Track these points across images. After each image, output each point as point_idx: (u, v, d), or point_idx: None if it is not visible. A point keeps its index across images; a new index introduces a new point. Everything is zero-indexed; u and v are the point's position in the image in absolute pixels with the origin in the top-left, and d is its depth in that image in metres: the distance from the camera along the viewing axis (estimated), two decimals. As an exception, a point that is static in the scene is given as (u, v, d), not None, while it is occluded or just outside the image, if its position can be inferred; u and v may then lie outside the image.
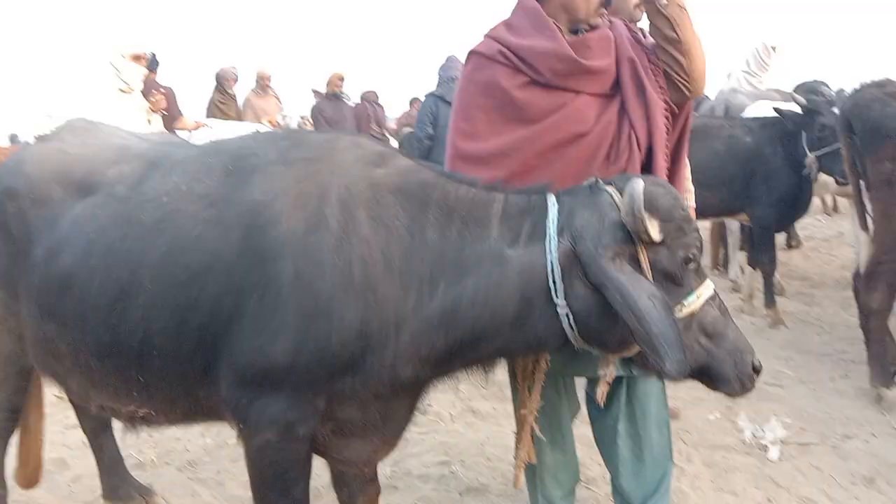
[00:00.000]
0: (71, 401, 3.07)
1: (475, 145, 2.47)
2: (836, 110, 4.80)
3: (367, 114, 11.25)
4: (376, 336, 2.03)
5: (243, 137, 2.43)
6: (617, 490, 2.76)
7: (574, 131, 2.40)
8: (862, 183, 4.17)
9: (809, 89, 6.30)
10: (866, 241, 4.22)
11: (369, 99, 11.56)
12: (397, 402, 2.25)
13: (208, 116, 9.32)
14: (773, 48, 8.26)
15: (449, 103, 8.06)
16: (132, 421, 2.47)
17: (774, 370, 4.61)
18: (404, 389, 2.21)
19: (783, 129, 5.42)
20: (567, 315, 1.98)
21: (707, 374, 2.05)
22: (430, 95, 6.85)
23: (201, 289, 2.08)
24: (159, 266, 2.13)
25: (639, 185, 1.89)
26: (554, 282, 1.98)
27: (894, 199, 3.91)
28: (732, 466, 3.47)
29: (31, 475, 3.06)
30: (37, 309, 2.38)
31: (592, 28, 2.49)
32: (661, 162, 2.47)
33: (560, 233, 2.00)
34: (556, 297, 1.98)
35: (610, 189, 1.99)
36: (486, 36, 2.51)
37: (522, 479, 2.56)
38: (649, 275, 1.95)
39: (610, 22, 2.53)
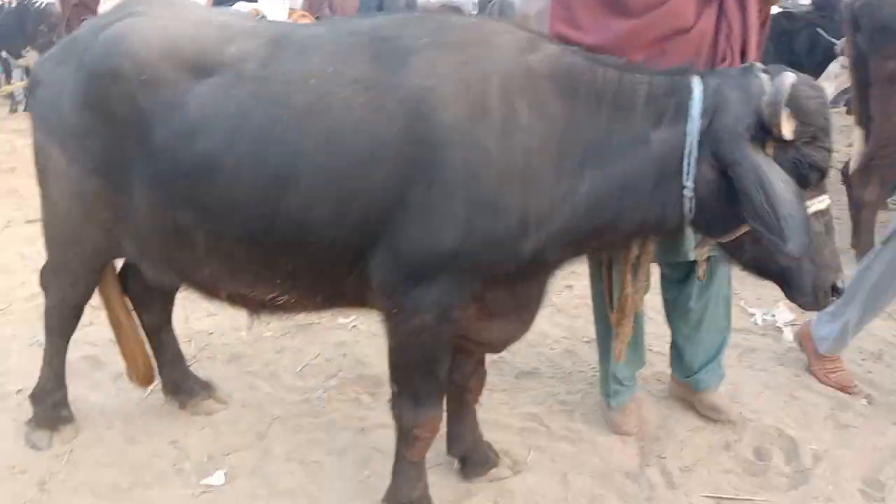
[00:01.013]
0: (132, 296, 2.98)
1: (577, 35, 2.48)
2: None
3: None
4: (533, 223, 2.07)
5: (370, 18, 2.32)
6: (678, 356, 3.09)
7: (676, 27, 2.45)
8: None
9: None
10: (861, 137, 4.49)
11: None
12: (536, 284, 2.32)
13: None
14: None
15: None
16: (262, 308, 2.45)
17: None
18: (546, 272, 2.28)
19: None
20: (690, 198, 2.05)
21: (789, 280, 2.12)
22: None
23: (364, 177, 2.05)
24: (318, 154, 2.08)
25: (788, 78, 1.94)
26: (688, 164, 2.03)
27: (894, 96, 4.15)
28: (753, 346, 3.75)
29: (145, 373, 3.00)
30: (164, 196, 2.28)
31: None
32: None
33: (702, 114, 2.03)
34: (686, 179, 2.04)
35: (764, 76, 2.03)
36: None
37: (623, 355, 2.70)
38: None
39: None
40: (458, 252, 2.06)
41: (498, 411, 3.06)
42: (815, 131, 2.00)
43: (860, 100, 4.43)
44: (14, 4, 10.60)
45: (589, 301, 3.09)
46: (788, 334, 3.88)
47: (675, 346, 3.13)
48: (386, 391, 3.21)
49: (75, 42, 2.50)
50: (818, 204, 2.07)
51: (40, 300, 4.07)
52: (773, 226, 1.88)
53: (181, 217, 2.29)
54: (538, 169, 2.05)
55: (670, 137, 2.05)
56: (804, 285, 2.09)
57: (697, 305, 2.94)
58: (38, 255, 4.81)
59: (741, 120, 1.98)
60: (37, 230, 5.32)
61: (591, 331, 3.75)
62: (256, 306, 2.50)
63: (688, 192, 2.04)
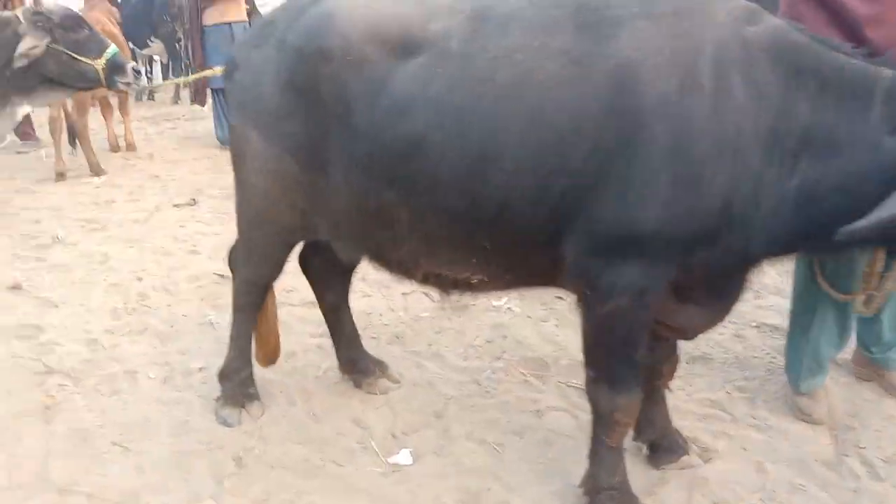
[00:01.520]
0: (311, 276, 3.06)
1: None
2: None
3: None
4: (738, 208, 1.97)
5: None
6: (870, 332, 2.99)
7: None
8: None
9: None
10: None
11: None
12: (736, 276, 2.22)
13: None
14: None
15: None
16: (454, 287, 2.46)
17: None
18: (748, 265, 2.18)
19: None
20: None
21: None
22: None
23: (569, 152, 2.01)
24: (524, 128, 2.04)
25: None
26: None
27: None
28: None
29: (271, 353, 3.08)
30: (367, 175, 2.30)
31: None
32: None
33: None
34: None
35: None
36: None
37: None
38: None
39: None
40: (659, 232, 1.98)
41: (675, 397, 2.97)
42: None
43: None
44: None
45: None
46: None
47: (866, 321, 2.96)
48: (553, 374, 3.26)
49: (273, 24, 2.53)
50: None
51: (203, 281, 4.32)
52: None
53: (384, 196, 2.31)
54: (747, 150, 1.93)
55: None
56: None
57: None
58: (190, 237, 5.09)
59: None
60: (184, 214, 5.63)
61: (758, 315, 3.66)
62: (449, 286, 2.51)
63: None
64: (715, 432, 2.82)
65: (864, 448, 2.71)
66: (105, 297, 4.16)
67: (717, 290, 2.24)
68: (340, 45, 2.27)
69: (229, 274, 4.28)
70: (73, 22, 4.38)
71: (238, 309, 2.94)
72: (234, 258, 2.92)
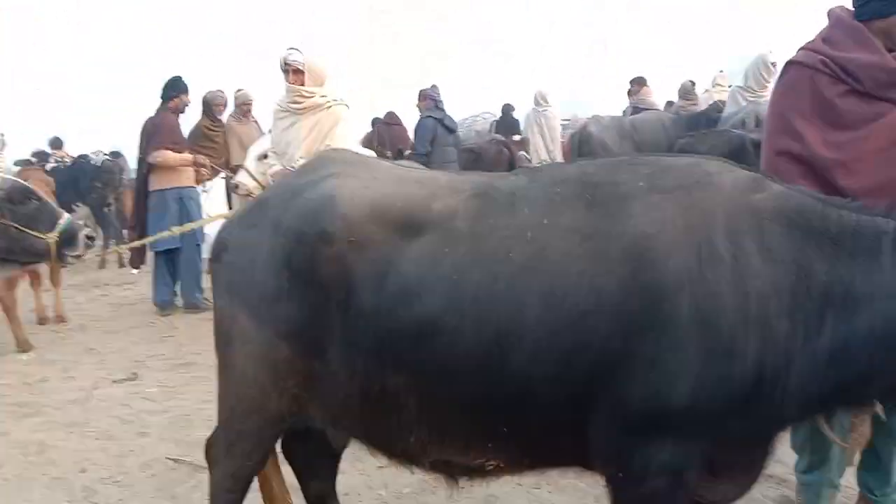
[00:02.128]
0: (297, 466, 2.83)
1: (800, 147, 2.58)
2: None
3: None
4: (769, 375, 1.93)
5: (571, 165, 2.28)
6: (876, 469, 2.95)
7: (893, 139, 2.49)
8: None
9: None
10: None
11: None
12: (766, 446, 2.16)
13: (193, 143, 8.78)
14: (773, 64, 8.50)
15: (447, 127, 8.82)
16: (465, 474, 2.29)
17: None
18: (777, 432, 2.12)
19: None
20: None
21: None
22: (430, 118, 8.61)
23: (590, 331, 1.95)
24: (543, 307, 1.98)
25: None
26: None
27: None
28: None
29: None
30: (372, 361, 2.16)
31: None
32: None
33: None
34: None
35: None
36: (804, 49, 2.64)
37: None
38: None
39: None
40: (691, 407, 1.92)
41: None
42: None
43: None
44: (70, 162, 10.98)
45: None
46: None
47: (869, 466, 2.94)
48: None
49: (266, 205, 2.46)
50: None
51: (156, 468, 3.97)
52: None
53: (391, 382, 2.17)
54: (771, 315, 1.92)
55: None
56: None
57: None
58: (137, 417, 4.72)
59: None
60: (126, 390, 5.26)
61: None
62: (460, 473, 2.34)
63: None
64: None
65: None
66: (47, 494, 3.73)
67: (748, 460, 2.15)
68: (342, 226, 2.20)
69: (184, 457, 4.05)
70: (21, 195, 4.18)
71: (217, 506, 2.66)
72: (213, 450, 2.66)
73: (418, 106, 9.32)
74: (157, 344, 6.54)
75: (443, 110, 9.00)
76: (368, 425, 2.34)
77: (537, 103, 11.34)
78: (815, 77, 2.57)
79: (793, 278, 1.95)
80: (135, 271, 10.54)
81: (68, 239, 4.20)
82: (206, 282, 8.26)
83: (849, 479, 3.18)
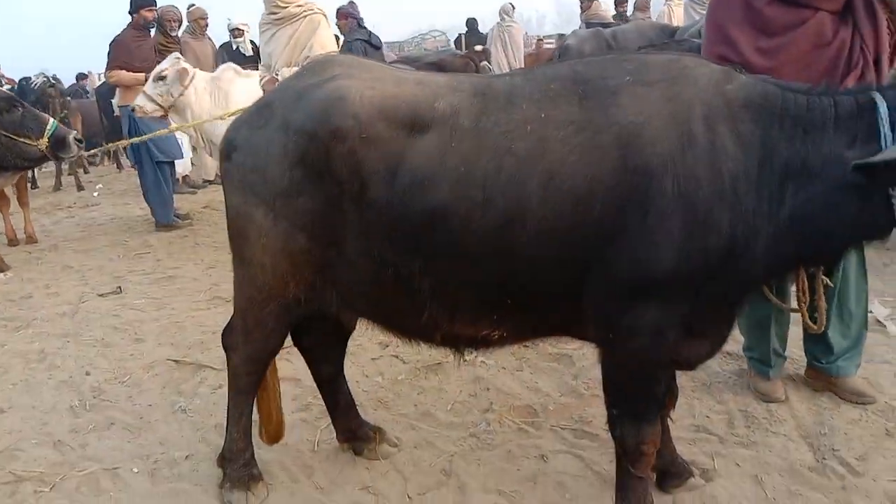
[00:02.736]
0: (306, 350, 3.08)
1: (733, 53, 2.85)
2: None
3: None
4: (741, 243, 2.21)
5: (560, 63, 2.47)
6: (821, 343, 3.38)
7: (816, 42, 2.78)
8: None
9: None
10: None
11: None
12: (736, 306, 2.46)
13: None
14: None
15: (373, 46, 8.75)
16: (471, 345, 2.56)
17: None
18: (747, 294, 2.42)
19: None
20: None
21: None
22: (358, 41, 8.15)
23: (586, 211, 2.19)
24: (543, 194, 2.20)
25: None
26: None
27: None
28: (870, 341, 3.88)
29: (275, 431, 3.05)
30: (386, 248, 2.37)
31: None
32: (886, 70, 2.83)
33: (893, 127, 2.19)
34: (893, 189, 2.21)
35: None
36: None
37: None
38: None
39: None
40: (673, 272, 2.19)
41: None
42: None
43: None
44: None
45: None
46: (892, 326, 4.09)
47: (811, 336, 3.37)
48: (544, 419, 3.38)
49: (271, 107, 2.60)
50: None
51: (158, 369, 4.19)
52: None
53: (405, 266, 2.39)
54: (742, 191, 2.19)
55: (867, 154, 2.17)
56: None
57: (838, 298, 3.27)
58: (130, 325, 4.90)
59: None
60: (113, 303, 5.40)
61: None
62: (467, 344, 2.61)
63: (895, 199, 2.16)
64: (708, 453, 3.04)
65: (838, 451, 3.00)
66: (56, 395, 3.92)
67: (719, 321, 2.46)
68: (354, 124, 2.36)
69: (184, 358, 4.27)
70: (6, 103, 4.21)
71: (238, 390, 2.89)
72: (231, 338, 2.87)
73: (338, 25, 9.13)
74: (135, 260, 6.64)
75: (365, 28, 8.83)
76: (383, 306, 2.58)
77: (502, 18, 11.34)
78: None
79: (759, 157, 2.21)
80: (94, 195, 10.49)
81: (58, 142, 4.25)
82: (177, 201, 8.31)
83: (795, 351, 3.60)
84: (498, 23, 11.20)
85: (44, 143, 4.27)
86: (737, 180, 2.18)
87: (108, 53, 7.70)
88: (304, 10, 5.23)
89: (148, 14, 7.76)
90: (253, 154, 2.58)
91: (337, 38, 8.34)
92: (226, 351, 2.90)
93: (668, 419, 2.84)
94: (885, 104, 2.18)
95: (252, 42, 10.03)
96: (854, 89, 2.34)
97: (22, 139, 4.20)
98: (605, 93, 2.25)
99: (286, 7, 5.19)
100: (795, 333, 3.48)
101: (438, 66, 9.98)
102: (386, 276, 2.43)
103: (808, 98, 2.25)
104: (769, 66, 2.77)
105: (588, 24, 10.38)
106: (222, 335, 2.91)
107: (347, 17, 8.94)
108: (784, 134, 2.21)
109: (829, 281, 2.89)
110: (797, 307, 2.79)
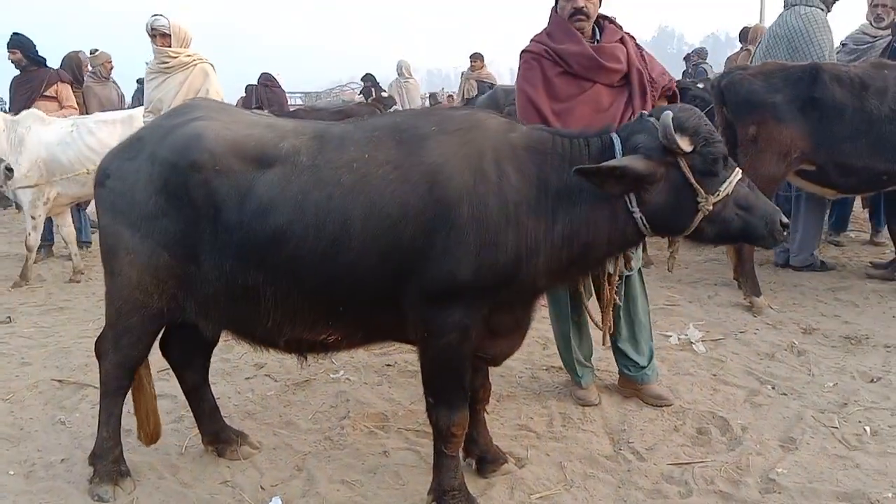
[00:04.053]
0: (171, 359, 3.46)
1: (534, 112, 3.61)
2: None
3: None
4: (524, 257, 2.79)
5: (384, 115, 3.02)
6: (625, 357, 4.03)
7: (594, 108, 3.55)
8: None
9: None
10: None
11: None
12: (528, 309, 3.03)
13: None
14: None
15: None
16: (312, 349, 3.02)
17: (666, 296, 5.92)
18: (537, 297, 3.00)
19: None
20: (639, 217, 2.79)
21: (746, 237, 2.87)
22: None
23: (400, 232, 2.72)
24: (364, 219, 2.72)
25: (668, 114, 2.74)
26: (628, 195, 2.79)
27: (756, 154, 5.30)
28: (676, 359, 4.61)
29: (152, 432, 3.39)
30: (236, 263, 2.83)
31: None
32: None
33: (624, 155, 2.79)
34: (631, 206, 2.79)
35: (651, 119, 2.82)
36: (533, 40, 3.74)
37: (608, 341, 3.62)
38: (690, 175, 2.73)
39: (622, 38, 3.69)
40: (472, 281, 2.73)
41: (492, 425, 3.67)
42: (704, 136, 2.75)
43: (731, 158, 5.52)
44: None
45: (537, 338, 4.20)
46: (701, 346, 4.78)
47: (618, 350, 4.03)
48: (392, 423, 3.85)
49: (142, 140, 3.05)
50: (735, 176, 2.78)
51: (43, 387, 4.45)
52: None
53: (251, 279, 2.85)
54: (524, 215, 2.77)
55: None
56: (761, 233, 2.81)
57: (626, 313, 3.92)
58: (17, 351, 5.12)
59: (643, 151, 2.76)
60: (4, 331, 5.56)
61: (546, 361, 4.54)
62: (307, 348, 3.07)
63: (636, 213, 2.78)
64: (524, 446, 3.56)
65: (632, 442, 3.58)
66: (-62, 413, 4.12)
67: (515, 323, 3.01)
68: (209, 158, 2.84)
69: (67, 378, 4.53)
70: None
71: (108, 393, 3.23)
72: (102, 346, 3.22)
73: None
74: (26, 294, 6.78)
75: None
76: (234, 315, 3.02)
77: (400, 73, 12.06)
78: (542, 62, 3.62)
79: (537, 187, 2.80)
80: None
81: None
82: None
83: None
84: (396, 78, 11.93)
85: None
86: (520, 206, 2.76)
87: None
88: (194, 59, 5.72)
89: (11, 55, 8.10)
90: (123, 181, 3.01)
91: None
92: (98, 358, 3.25)
93: (485, 412, 3.36)
94: (619, 141, 2.84)
95: None
96: (601, 131, 2.95)
97: None
98: (416, 139, 2.81)
99: (177, 57, 5.67)
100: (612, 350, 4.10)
101: (346, 113, 10.60)
102: (236, 288, 2.88)
103: (571, 140, 2.89)
104: (562, 125, 3.45)
105: (480, 83, 11.24)
106: (95, 344, 3.26)
107: None
108: (554, 169, 2.82)
109: (618, 300, 3.54)
110: (594, 316, 3.45)
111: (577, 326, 3.99)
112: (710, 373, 4.40)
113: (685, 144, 2.72)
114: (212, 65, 5.88)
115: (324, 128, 2.98)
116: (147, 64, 5.90)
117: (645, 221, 2.80)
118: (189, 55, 5.74)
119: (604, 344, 3.66)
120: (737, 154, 5.38)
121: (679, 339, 4.96)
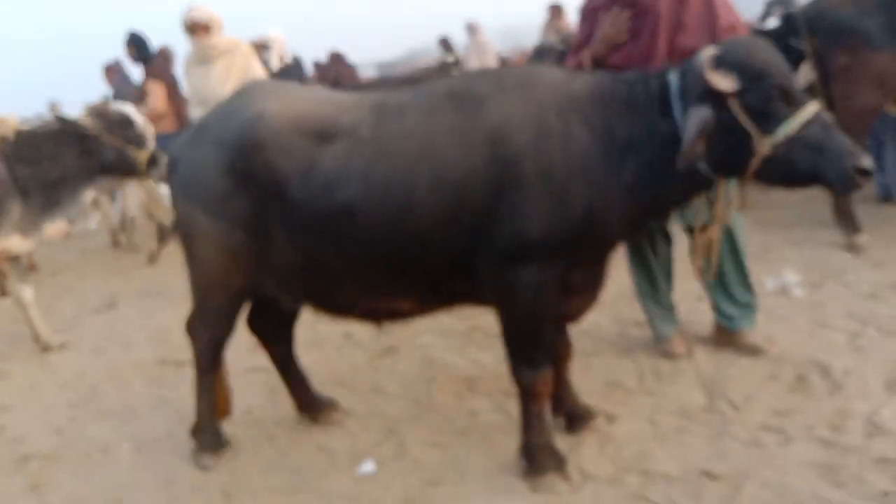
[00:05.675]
0: (259, 334, 3.55)
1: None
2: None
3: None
4: (595, 211, 2.70)
5: (439, 81, 2.98)
6: (714, 304, 3.89)
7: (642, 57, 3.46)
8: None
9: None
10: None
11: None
12: (602, 264, 2.96)
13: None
14: None
15: None
16: (388, 317, 3.05)
17: (760, 240, 5.66)
18: (608, 251, 2.91)
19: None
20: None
21: (815, 181, 2.60)
22: None
23: (467, 196, 2.69)
24: (430, 186, 2.71)
25: (704, 53, 2.57)
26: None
27: (849, 84, 4.95)
28: (772, 305, 4.40)
29: (225, 408, 3.52)
30: (307, 239, 2.88)
31: None
32: None
33: (681, 98, 2.65)
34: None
35: (696, 58, 2.63)
36: None
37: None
38: (742, 116, 2.54)
39: None
40: (543, 238, 2.68)
41: (581, 383, 3.60)
42: (756, 71, 2.53)
43: (824, 91, 5.17)
44: None
45: (624, 294, 4.19)
46: (798, 291, 4.56)
47: (714, 297, 3.90)
48: (481, 386, 3.86)
49: (206, 127, 3.13)
50: (802, 115, 2.51)
51: (146, 368, 4.65)
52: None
53: (323, 253, 2.90)
54: (591, 168, 2.68)
55: (670, 123, 2.66)
56: (830, 178, 2.52)
57: (728, 259, 3.76)
58: (121, 335, 5.39)
59: (695, 91, 2.60)
60: (107, 318, 5.87)
61: (636, 316, 4.43)
62: (383, 316, 3.10)
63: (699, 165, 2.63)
64: (615, 403, 3.50)
65: (728, 394, 3.46)
66: (56, 394, 4.42)
67: (590, 279, 2.95)
68: (271, 137, 2.88)
69: (168, 358, 4.75)
70: (126, 120, 5.04)
71: (202, 370, 3.37)
72: (192, 326, 3.35)
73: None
74: (128, 281, 7.14)
75: None
76: (310, 288, 3.07)
77: (471, 34, 11.94)
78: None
79: (602, 138, 2.71)
80: (93, 226, 10.96)
81: (153, 159, 5.04)
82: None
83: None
84: (471, 39, 11.79)
85: (144, 156, 5.09)
86: (586, 159, 2.68)
87: None
88: (233, 44, 5.86)
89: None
90: (192, 167, 3.10)
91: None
92: (190, 338, 3.39)
93: (569, 370, 3.31)
94: (676, 81, 2.68)
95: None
96: (661, 72, 2.80)
97: (130, 151, 5.04)
98: (474, 101, 2.76)
99: (218, 45, 5.81)
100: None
101: (412, 82, 10.57)
102: (309, 262, 2.93)
103: (630, 86, 2.76)
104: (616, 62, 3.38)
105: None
106: (186, 325, 3.40)
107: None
108: (618, 117, 2.71)
109: (713, 247, 3.38)
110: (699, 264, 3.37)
111: (654, 277, 3.91)
112: (809, 317, 4.19)
113: (729, 83, 2.53)
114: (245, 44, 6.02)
115: (382, 99, 2.97)
116: (187, 59, 6.04)
117: (707, 164, 2.66)
118: (227, 41, 5.87)
119: (703, 287, 3.50)
120: (829, 88, 5.05)
121: (774, 284, 4.73)
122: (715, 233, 3.25)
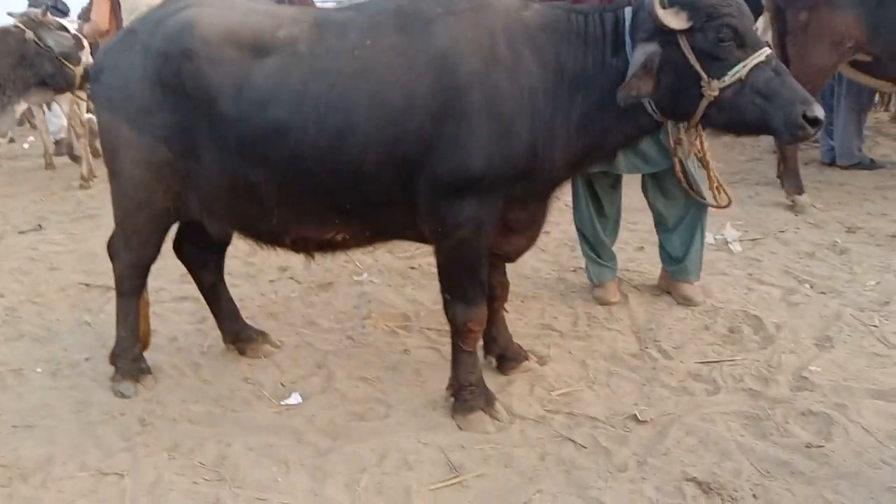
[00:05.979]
0: (186, 260, 3.40)
1: None
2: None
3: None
4: (540, 147, 2.61)
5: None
6: (663, 249, 3.93)
7: None
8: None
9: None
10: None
11: None
12: (543, 203, 2.87)
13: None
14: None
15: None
16: (320, 249, 2.93)
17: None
18: (551, 190, 2.83)
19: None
20: (648, 101, 2.54)
21: (762, 128, 2.53)
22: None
23: (407, 123, 2.56)
24: (369, 109, 2.56)
25: None
26: None
27: (806, 42, 4.92)
28: (712, 259, 4.41)
29: (143, 339, 3.37)
30: (235, 158, 2.71)
31: None
32: None
33: (632, 35, 2.53)
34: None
35: None
36: None
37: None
38: (691, 56, 2.44)
39: None
40: (485, 173, 2.57)
41: (515, 325, 3.59)
42: (705, 11, 2.42)
43: (780, 47, 5.14)
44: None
45: (566, 241, 4.07)
46: (737, 246, 4.59)
47: (664, 243, 3.91)
48: (415, 323, 3.79)
49: (134, 33, 2.91)
50: (758, 58, 2.42)
51: (70, 291, 4.48)
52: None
53: (253, 175, 2.74)
54: (540, 102, 2.58)
55: (620, 60, 2.55)
56: (777, 126, 2.43)
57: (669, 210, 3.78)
58: (46, 257, 5.17)
59: (645, 28, 2.50)
60: (33, 239, 5.62)
61: (573, 262, 4.41)
62: (315, 247, 2.97)
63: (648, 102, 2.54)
64: (547, 345, 3.48)
65: (659, 341, 3.47)
66: (-29, 316, 4.20)
67: (530, 219, 2.86)
68: (202, 45, 2.69)
69: (94, 282, 4.56)
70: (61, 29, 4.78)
71: (123, 293, 3.22)
72: (114, 247, 3.18)
73: None
74: (56, 203, 6.82)
75: None
76: (238, 212, 2.92)
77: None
78: None
79: (553, 71, 2.59)
80: (26, 146, 10.47)
81: (88, 73, 4.74)
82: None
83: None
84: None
85: (80, 70, 4.88)
86: (535, 92, 2.56)
87: None
88: None
89: None
90: (117, 75, 2.89)
91: None
92: (111, 260, 3.22)
93: (504, 310, 3.26)
94: (630, 18, 2.56)
95: None
96: (614, 6, 2.67)
97: (67, 63, 4.81)
98: (421, 22, 2.61)
99: None
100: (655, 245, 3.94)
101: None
102: (238, 185, 2.77)
103: (586, 17, 2.63)
104: None
105: None
106: (107, 246, 3.22)
107: None
108: (570, 49, 2.60)
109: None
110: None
111: (596, 224, 3.89)
112: (746, 272, 4.22)
113: (679, 21, 2.42)
114: None
115: (324, 15, 2.80)
116: None
117: (653, 106, 2.57)
118: None
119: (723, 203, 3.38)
120: (786, 43, 5.01)
121: (715, 238, 4.75)
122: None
